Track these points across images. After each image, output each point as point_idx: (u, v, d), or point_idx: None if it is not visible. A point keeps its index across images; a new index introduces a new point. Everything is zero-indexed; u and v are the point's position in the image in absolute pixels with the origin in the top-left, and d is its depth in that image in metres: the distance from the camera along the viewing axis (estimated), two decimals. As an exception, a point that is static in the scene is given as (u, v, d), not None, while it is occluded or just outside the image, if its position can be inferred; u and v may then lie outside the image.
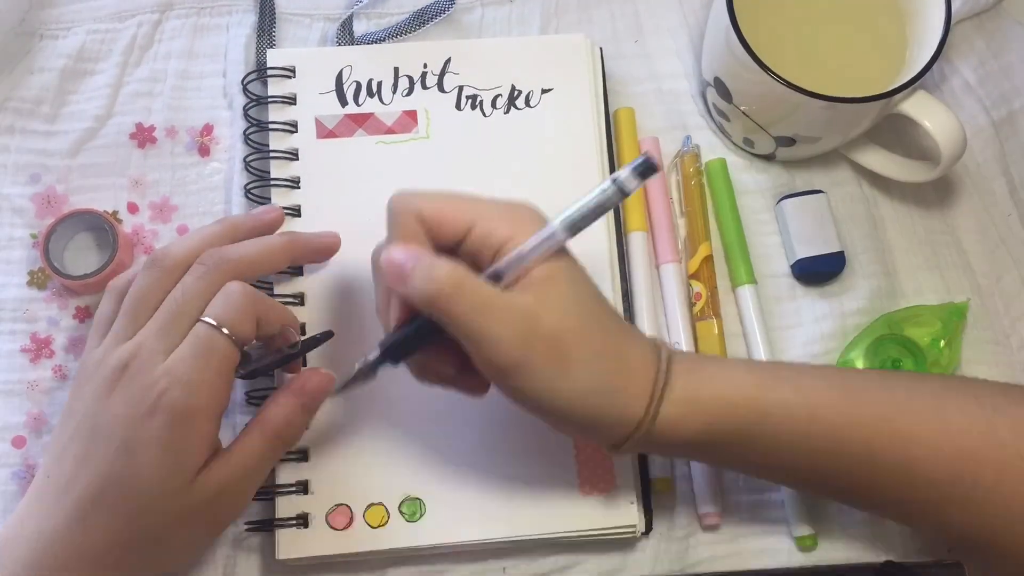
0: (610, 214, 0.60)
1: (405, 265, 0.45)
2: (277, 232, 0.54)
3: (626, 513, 0.55)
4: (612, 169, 0.61)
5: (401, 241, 0.47)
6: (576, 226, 0.45)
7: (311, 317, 0.57)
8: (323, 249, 0.56)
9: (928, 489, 0.48)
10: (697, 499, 0.57)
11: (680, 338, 0.59)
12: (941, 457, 0.47)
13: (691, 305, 0.60)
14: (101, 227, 0.58)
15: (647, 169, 0.44)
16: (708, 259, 0.60)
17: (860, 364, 0.58)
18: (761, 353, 0.59)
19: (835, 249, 0.61)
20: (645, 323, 0.59)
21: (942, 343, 0.59)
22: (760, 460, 0.49)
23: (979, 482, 0.47)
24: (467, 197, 0.48)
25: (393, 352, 0.48)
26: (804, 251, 0.61)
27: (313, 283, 0.57)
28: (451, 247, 0.47)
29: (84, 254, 0.60)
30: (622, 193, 0.45)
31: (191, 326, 0.48)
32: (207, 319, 0.48)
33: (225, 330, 0.48)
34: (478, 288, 0.45)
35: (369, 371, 0.49)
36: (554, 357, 0.45)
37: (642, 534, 0.55)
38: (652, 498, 0.56)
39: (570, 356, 0.45)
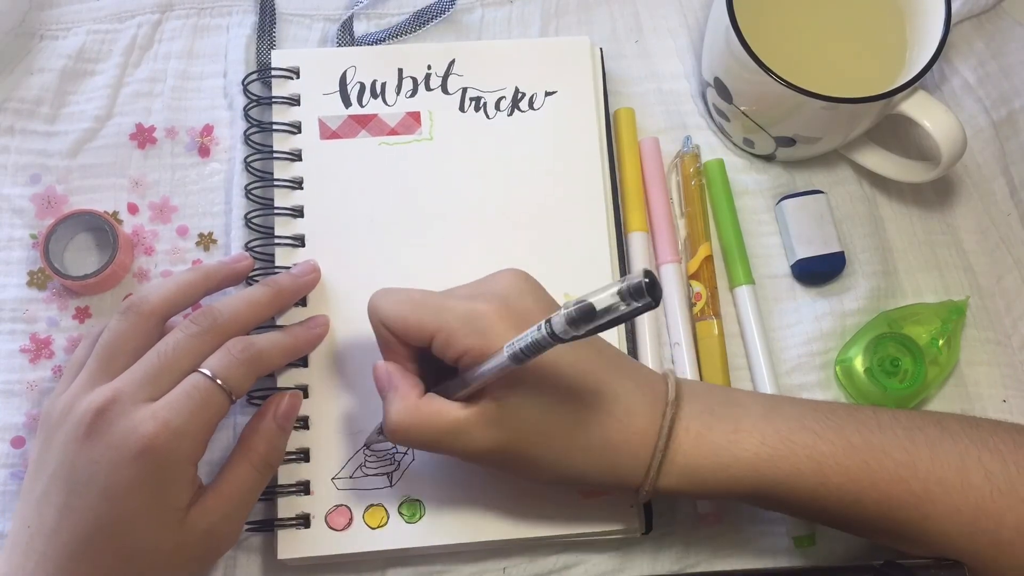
0: (610, 214, 0.60)
1: (381, 389, 0.49)
2: (261, 283, 0.55)
3: (626, 516, 0.55)
4: (612, 169, 0.61)
5: (380, 344, 0.49)
6: (519, 358, 0.42)
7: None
8: (305, 288, 0.56)
9: (944, 541, 0.48)
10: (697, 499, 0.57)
11: (680, 338, 0.59)
12: (958, 518, 0.47)
13: (691, 305, 0.60)
14: (101, 227, 0.58)
15: (580, 318, 0.39)
16: (708, 259, 0.60)
17: (859, 362, 0.58)
18: (758, 352, 0.59)
19: (835, 249, 0.61)
20: (645, 323, 0.59)
21: (941, 341, 0.59)
22: (768, 507, 0.51)
23: (996, 540, 0.47)
24: (431, 304, 0.48)
25: None
26: (804, 251, 0.61)
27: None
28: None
29: (84, 254, 0.60)
30: (554, 338, 0.40)
31: (177, 380, 0.48)
32: (206, 371, 0.48)
33: (222, 383, 0.48)
34: (436, 416, 0.47)
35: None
36: (527, 462, 0.48)
37: (642, 534, 0.55)
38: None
39: (544, 460, 0.47)
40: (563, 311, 0.39)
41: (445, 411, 0.47)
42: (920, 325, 0.59)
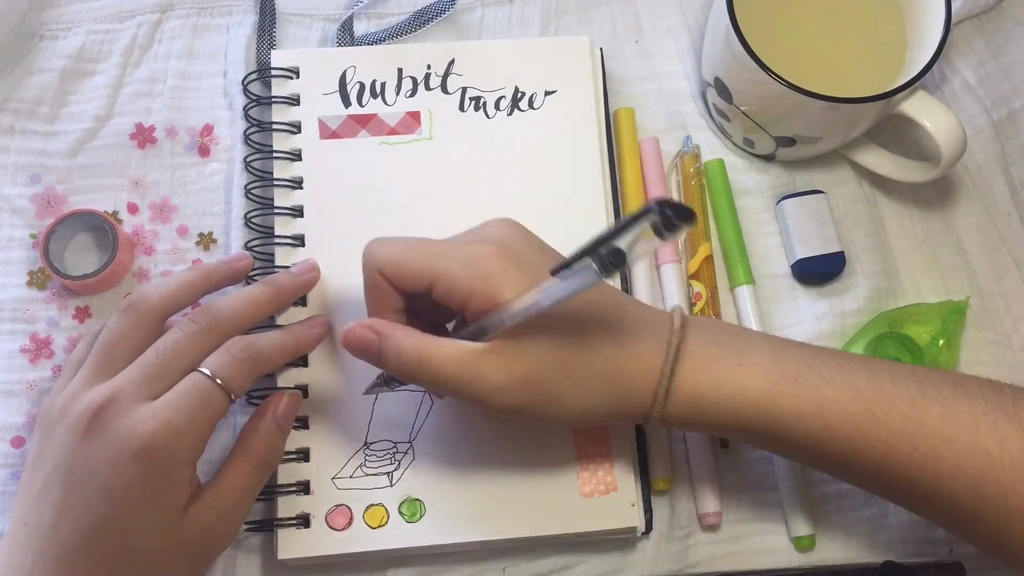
0: (610, 214, 0.60)
1: (371, 346, 0.47)
2: (260, 282, 0.55)
3: (627, 514, 0.55)
4: (613, 170, 0.61)
5: (368, 294, 0.49)
6: (559, 301, 0.43)
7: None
8: (305, 287, 0.56)
9: (946, 502, 0.47)
10: (697, 499, 0.57)
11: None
12: (962, 479, 0.46)
13: (691, 305, 0.60)
14: (101, 227, 0.58)
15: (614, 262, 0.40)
16: (708, 259, 0.60)
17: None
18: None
19: (835, 249, 0.61)
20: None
21: (941, 342, 0.59)
22: (771, 449, 0.51)
23: (1002, 506, 0.46)
24: (429, 250, 0.48)
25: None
26: (804, 251, 0.61)
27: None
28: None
29: (84, 254, 0.60)
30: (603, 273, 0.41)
31: (177, 378, 0.48)
32: (205, 371, 0.48)
33: (221, 382, 0.48)
34: (451, 354, 0.46)
35: (386, 382, 0.52)
36: (547, 396, 0.47)
37: (642, 534, 0.55)
38: (652, 498, 0.56)
39: (549, 394, 0.47)
40: (596, 257, 0.40)
41: (461, 346, 0.46)
42: (920, 325, 0.59)
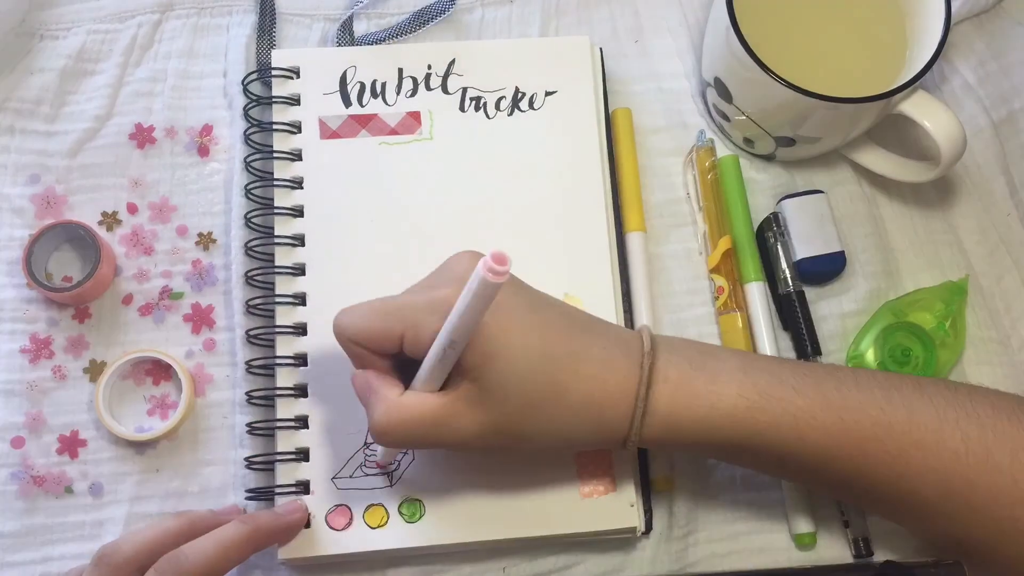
0: (610, 214, 0.60)
1: (362, 396, 0.48)
2: (237, 520, 0.50)
3: (626, 515, 0.55)
4: (613, 171, 0.61)
5: (354, 363, 0.49)
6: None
7: (312, 317, 0.57)
8: (288, 530, 0.53)
9: (915, 501, 0.48)
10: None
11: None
12: (931, 477, 0.47)
13: (715, 299, 0.60)
14: (84, 238, 0.58)
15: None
16: (729, 253, 0.60)
17: (871, 355, 0.59)
18: (767, 352, 0.59)
19: (835, 249, 0.61)
20: (646, 323, 0.59)
21: (947, 324, 0.59)
22: (750, 464, 0.52)
23: (970, 502, 0.47)
24: (393, 308, 0.47)
25: None
26: (805, 251, 0.60)
27: (314, 283, 0.57)
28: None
29: (69, 264, 0.60)
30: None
31: None
32: None
33: None
34: (417, 409, 0.46)
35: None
36: (520, 436, 0.47)
37: (642, 534, 0.55)
38: (652, 498, 0.56)
39: (521, 435, 0.47)
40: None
41: (426, 402, 0.46)
42: (924, 310, 0.59)
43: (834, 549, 0.57)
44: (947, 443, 0.47)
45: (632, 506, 0.54)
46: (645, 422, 0.48)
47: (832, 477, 0.49)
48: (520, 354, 0.46)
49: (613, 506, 0.54)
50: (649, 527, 0.55)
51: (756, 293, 0.60)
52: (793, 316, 0.60)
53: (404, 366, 0.49)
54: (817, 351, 0.59)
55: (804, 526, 0.56)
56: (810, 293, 0.61)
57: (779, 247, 0.61)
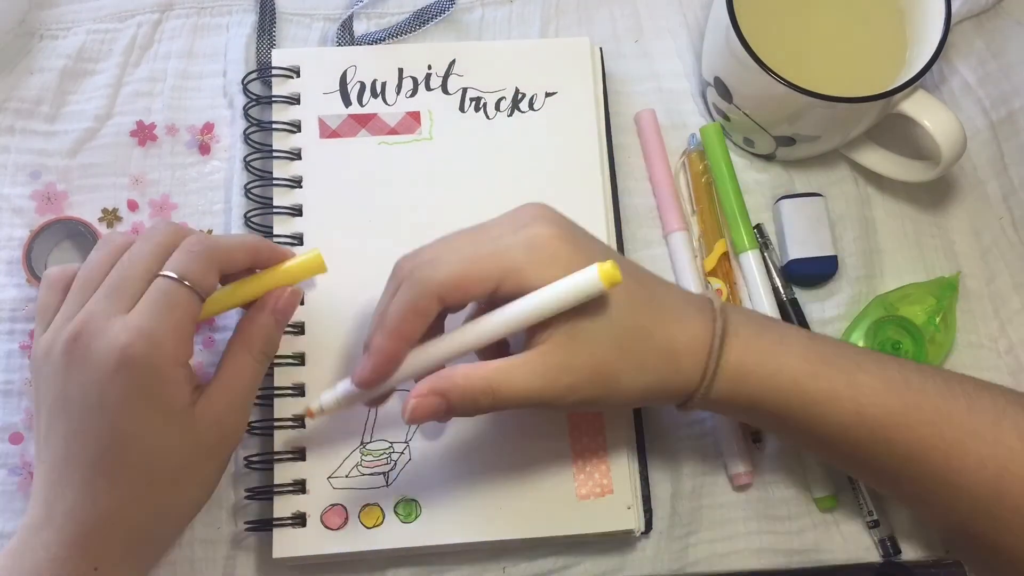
0: (610, 215, 0.60)
1: (438, 410, 0.46)
2: None
3: (623, 517, 0.54)
4: (613, 172, 0.61)
5: (403, 320, 0.47)
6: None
7: (310, 317, 0.57)
8: (280, 257, 0.53)
9: (963, 498, 0.48)
10: (727, 461, 0.57)
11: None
12: (984, 474, 0.47)
13: (701, 270, 0.61)
14: (84, 234, 0.58)
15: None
16: (725, 255, 0.60)
17: (860, 346, 0.58)
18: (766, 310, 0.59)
19: (828, 253, 0.60)
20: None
21: (938, 319, 0.59)
22: (803, 438, 0.51)
23: (1019, 502, 0.47)
24: (486, 253, 0.46)
25: None
26: (797, 252, 0.60)
27: (313, 282, 0.57)
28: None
29: (68, 261, 0.59)
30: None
31: (140, 287, 0.48)
32: (168, 272, 0.48)
33: (187, 283, 0.48)
34: (520, 375, 0.46)
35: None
36: (614, 383, 0.47)
37: (642, 533, 0.55)
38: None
39: (614, 380, 0.47)
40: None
41: (526, 363, 0.46)
42: (914, 304, 0.59)
43: (834, 551, 0.57)
44: (1004, 438, 0.47)
45: (629, 508, 0.54)
46: (716, 374, 0.48)
47: (886, 464, 0.49)
48: (611, 302, 0.46)
49: (610, 508, 0.54)
50: (649, 527, 0.55)
51: (751, 261, 0.60)
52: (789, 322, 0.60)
53: None
54: None
55: (823, 489, 0.57)
56: (800, 295, 0.61)
57: (766, 256, 0.61)
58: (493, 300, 0.47)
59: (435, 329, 0.49)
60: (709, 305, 0.49)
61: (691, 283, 0.60)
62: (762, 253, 0.61)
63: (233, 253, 0.50)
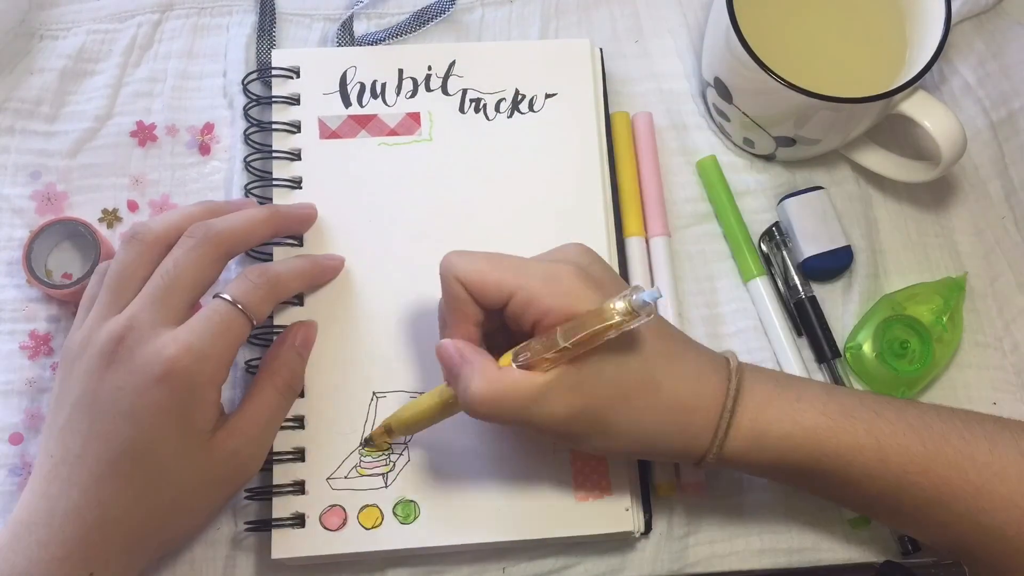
0: (610, 216, 0.60)
1: (452, 366, 0.47)
2: (259, 206, 0.55)
3: (621, 519, 0.54)
4: (613, 173, 0.61)
5: (447, 305, 0.49)
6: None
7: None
8: (304, 219, 0.57)
9: (994, 540, 0.47)
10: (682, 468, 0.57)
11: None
12: (1014, 513, 0.47)
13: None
14: (84, 235, 0.58)
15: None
16: None
17: (868, 347, 0.59)
18: (781, 340, 0.59)
19: (841, 244, 0.60)
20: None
21: (945, 319, 0.59)
22: (829, 491, 0.51)
23: None
24: (509, 264, 0.48)
25: None
26: (811, 249, 0.60)
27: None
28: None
29: (68, 261, 0.60)
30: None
31: (186, 297, 0.49)
32: (226, 296, 0.49)
33: (242, 307, 0.49)
34: (518, 385, 0.46)
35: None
36: (604, 426, 0.47)
37: (641, 534, 0.55)
38: (652, 498, 0.56)
39: (603, 422, 0.47)
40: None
41: (527, 380, 0.46)
42: (922, 304, 0.59)
43: (835, 551, 0.57)
44: None
45: (627, 510, 0.54)
46: (728, 435, 0.48)
47: (912, 507, 0.48)
48: (624, 345, 0.46)
49: (608, 510, 0.54)
50: (649, 527, 0.55)
51: (760, 288, 0.60)
52: (808, 321, 0.60)
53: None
54: (836, 354, 0.59)
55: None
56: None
57: (784, 254, 0.61)
58: (506, 316, 0.47)
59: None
60: (726, 364, 0.49)
61: (666, 287, 0.60)
62: (771, 277, 0.61)
63: (291, 284, 0.53)
